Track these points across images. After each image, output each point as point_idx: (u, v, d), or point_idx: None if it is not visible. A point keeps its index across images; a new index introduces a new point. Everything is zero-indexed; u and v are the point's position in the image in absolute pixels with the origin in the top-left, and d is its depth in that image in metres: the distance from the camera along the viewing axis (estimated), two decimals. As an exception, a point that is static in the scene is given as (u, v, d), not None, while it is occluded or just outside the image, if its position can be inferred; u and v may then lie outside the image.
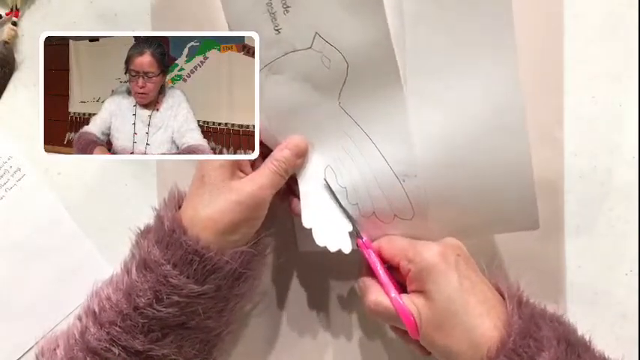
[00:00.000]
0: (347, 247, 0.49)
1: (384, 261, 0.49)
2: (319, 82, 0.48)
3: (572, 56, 0.56)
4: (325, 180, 0.50)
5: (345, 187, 0.50)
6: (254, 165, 0.51)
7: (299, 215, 0.50)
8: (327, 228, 0.50)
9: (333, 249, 0.49)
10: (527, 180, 0.47)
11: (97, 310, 0.47)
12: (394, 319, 0.46)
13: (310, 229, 0.49)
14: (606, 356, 0.46)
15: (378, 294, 0.47)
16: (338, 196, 0.50)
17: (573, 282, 0.54)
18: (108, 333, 0.46)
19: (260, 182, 0.48)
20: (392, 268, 0.49)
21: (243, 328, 0.57)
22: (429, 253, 0.46)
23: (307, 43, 0.48)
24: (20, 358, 0.56)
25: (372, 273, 0.49)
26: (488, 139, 0.46)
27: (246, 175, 0.49)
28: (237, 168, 0.49)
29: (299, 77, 0.49)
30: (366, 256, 0.49)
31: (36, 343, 0.56)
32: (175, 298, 0.46)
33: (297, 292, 0.57)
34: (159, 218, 0.48)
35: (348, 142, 0.49)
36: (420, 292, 0.46)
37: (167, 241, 0.46)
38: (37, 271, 0.57)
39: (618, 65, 0.56)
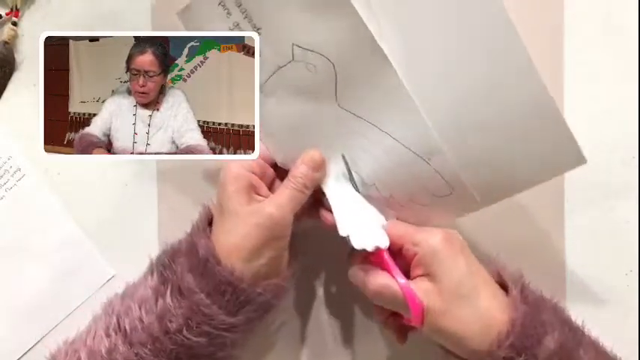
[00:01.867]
0: (384, 242, 0.47)
1: None
2: (312, 90, 0.48)
3: (572, 56, 0.56)
4: (351, 181, 0.50)
5: (374, 184, 0.49)
6: (272, 188, 0.50)
7: (331, 227, 0.48)
8: (363, 229, 0.48)
9: (370, 248, 0.47)
10: (555, 115, 0.44)
11: (128, 329, 0.46)
12: (398, 305, 0.46)
13: (347, 236, 0.47)
14: (600, 342, 0.47)
15: (384, 277, 0.46)
16: (368, 192, 0.49)
17: (573, 282, 0.54)
18: (136, 354, 0.45)
19: (278, 201, 0.47)
20: (391, 253, 0.48)
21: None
22: (435, 237, 0.46)
23: (288, 56, 0.47)
24: (20, 358, 0.56)
25: (371, 255, 0.48)
26: (499, 89, 0.44)
27: (264, 198, 0.48)
28: (253, 192, 0.48)
29: (292, 92, 0.48)
30: None
31: (36, 343, 0.56)
32: (206, 327, 0.45)
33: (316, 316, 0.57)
34: (192, 244, 0.47)
35: (362, 139, 0.49)
36: (426, 275, 0.45)
37: (201, 270, 0.46)
38: (37, 271, 0.57)
39: (618, 65, 0.56)
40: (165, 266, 0.48)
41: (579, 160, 0.46)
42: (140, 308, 0.46)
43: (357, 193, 0.50)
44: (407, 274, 0.47)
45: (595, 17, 0.56)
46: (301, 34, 0.46)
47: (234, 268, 0.45)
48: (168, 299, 0.46)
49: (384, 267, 0.47)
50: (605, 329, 0.48)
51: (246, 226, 0.46)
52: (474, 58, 0.44)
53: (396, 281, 0.46)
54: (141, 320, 0.45)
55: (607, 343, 0.48)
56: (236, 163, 0.48)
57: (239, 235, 0.46)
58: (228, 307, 0.46)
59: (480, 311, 0.44)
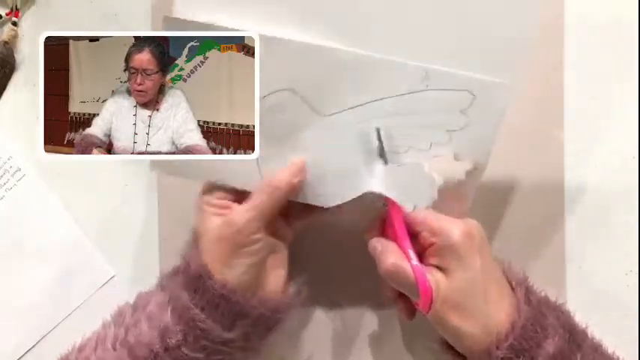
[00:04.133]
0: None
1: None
2: (297, 124, 0.48)
3: (572, 56, 0.56)
4: (382, 156, 0.48)
5: (407, 148, 0.49)
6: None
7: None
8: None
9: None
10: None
11: (133, 343, 0.46)
12: (408, 288, 0.45)
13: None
14: (603, 345, 0.47)
15: (398, 257, 0.45)
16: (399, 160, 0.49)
17: (573, 282, 0.54)
18: None
19: (241, 208, 0.47)
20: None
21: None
22: (456, 231, 0.45)
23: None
24: (20, 358, 0.56)
25: (387, 233, 0.47)
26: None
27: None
28: (221, 207, 0.48)
29: (282, 136, 0.48)
30: (394, 217, 0.47)
31: (36, 343, 0.56)
32: (203, 342, 0.45)
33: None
34: (186, 262, 0.48)
35: (371, 119, 0.48)
36: (440, 267, 0.45)
37: (195, 286, 0.46)
38: (37, 271, 0.57)
39: (618, 65, 0.56)
40: (166, 284, 0.49)
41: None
42: (147, 323, 0.46)
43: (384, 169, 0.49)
44: (419, 258, 0.46)
45: (595, 17, 0.56)
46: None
47: (227, 281, 0.45)
48: (169, 316, 0.46)
49: (399, 243, 0.46)
50: (604, 329, 0.48)
51: (210, 237, 0.47)
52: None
53: (410, 264, 0.45)
54: (145, 335, 0.46)
55: (607, 343, 0.48)
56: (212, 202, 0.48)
57: (207, 248, 0.46)
58: (224, 321, 0.46)
59: (486, 311, 0.44)
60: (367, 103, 0.48)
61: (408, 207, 0.47)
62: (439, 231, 0.45)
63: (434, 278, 0.45)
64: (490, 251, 0.46)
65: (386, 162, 0.48)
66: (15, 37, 0.57)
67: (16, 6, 0.57)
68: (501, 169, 0.55)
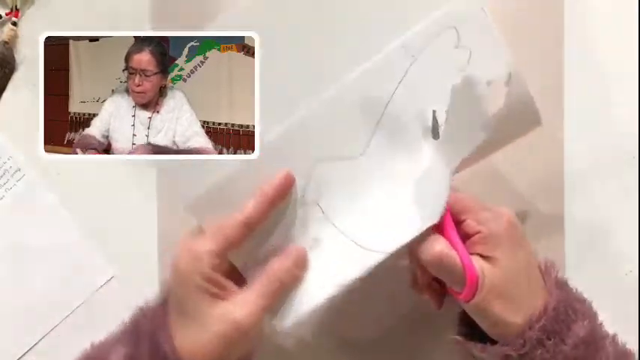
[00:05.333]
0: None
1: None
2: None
3: (572, 56, 0.56)
4: (434, 132, 0.47)
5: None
6: (238, 280, 0.45)
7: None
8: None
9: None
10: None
11: None
12: (454, 276, 0.44)
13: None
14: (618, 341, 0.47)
15: (445, 246, 0.45)
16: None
17: (573, 282, 0.54)
18: None
19: (248, 306, 0.42)
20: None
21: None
22: (502, 219, 0.45)
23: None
24: (20, 357, 0.56)
25: None
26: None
27: (228, 289, 0.43)
28: (215, 285, 0.42)
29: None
30: None
31: (36, 343, 0.56)
32: None
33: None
34: (155, 342, 0.42)
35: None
36: (485, 257, 0.45)
37: None
38: (37, 271, 0.57)
39: (618, 65, 0.56)
40: (125, 346, 0.44)
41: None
42: None
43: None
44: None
45: (595, 17, 0.56)
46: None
47: None
48: None
49: (445, 232, 0.45)
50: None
51: (210, 335, 0.41)
52: None
53: (457, 251, 0.44)
54: None
55: (607, 343, 0.48)
56: (193, 246, 0.43)
57: (203, 343, 0.42)
58: None
59: (529, 300, 0.44)
60: (381, 117, 0.47)
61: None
62: (485, 219, 0.45)
63: (479, 266, 0.44)
64: (529, 244, 0.46)
65: (437, 137, 0.47)
66: (15, 37, 0.57)
67: (16, 6, 0.57)
68: (501, 169, 0.55)
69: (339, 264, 0.45)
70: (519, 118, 0.46)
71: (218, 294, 0.42)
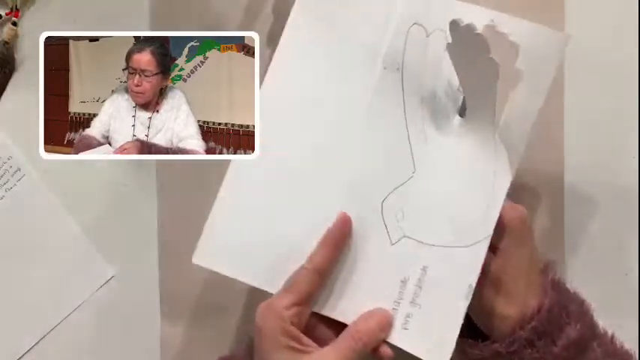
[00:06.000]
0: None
1: None
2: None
3: (572, 56, 0.56)
4: (461, 109, 0.47)
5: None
6: (314, 335, 0.44)
7: None
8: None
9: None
10: None
11: None
12: None
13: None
14: (615, 337, 0.47)
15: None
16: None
17: (573, 282, 0.54)
18: None
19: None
20: None
21: None
22: (514, 213, 0.45)
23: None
24: (20, 357, 0.56)
25: None
26: None
27: (310, 348, 0.43)
28: (297, 342, 0.42)
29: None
30: None
31: (36, 343, 0.56)
32: None
33: None
34: None
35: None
36: (491, 247, 0.45)
37: None
38: (37, 271, 0.57)
39: (618, 65, 0.56)
40: None
41: None
42: None
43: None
44: None
45: (595, 17, 0.56)
46: None
47: None
48: None
49: None
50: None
51: None
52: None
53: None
54: None
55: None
56: (272, 304, 0.43)
57: None
58: None
59: (525, 296, 0.45)
60: (408, 133, 0.47)
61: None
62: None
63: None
64: (535, 243, 0.47)
65: (463, 114, 0.47)
66: (15, 36, 0.57)
67: (16, 6, 0.57)
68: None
69: (453, 277, 0.45)
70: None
71: (300, 349, 0.42)
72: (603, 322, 0.47)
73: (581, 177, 0.56)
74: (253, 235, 0.46)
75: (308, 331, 0.44)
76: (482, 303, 0.45)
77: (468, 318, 0.45)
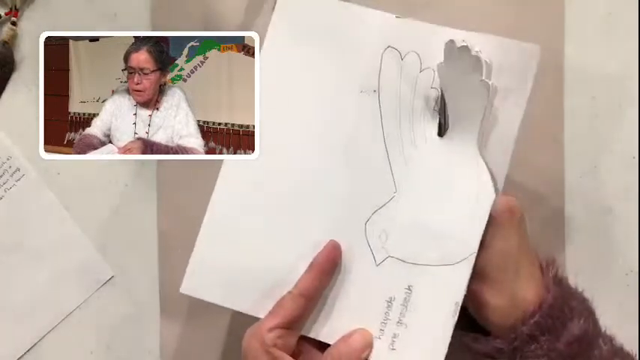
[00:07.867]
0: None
1: None
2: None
3: (572, 56, 0.56)
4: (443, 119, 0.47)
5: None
6: (306, 359, 0.45)
7: None
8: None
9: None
10: None
11: None
12: None
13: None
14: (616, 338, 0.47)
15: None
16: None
17: (573, 282, 0.54)
18: None
19: None
20: None
21: None
22: (497, 204, 0.45)
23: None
24: (20, 358, 0.56)
25: None
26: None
27: None
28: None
29: None
30: None
31: (35, 343, 0.56)
32: None
33: None
34: None
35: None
36: None
37: None
38: (38, 271, 0.57)
39: (618, 65, 0.56)
40: None
41: None
42: None
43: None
44: None
45: (595, 17, 0.56)
46: None
47: None
48: None
49: None
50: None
51: None
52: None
53: None
54: None
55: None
56: (257, 327, 0.44)
57: None
58: None
59: (515, 286, 0.44)
60: (387, 152, 0.47)
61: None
62: None
63: None
64: (527, 230, 0.46)
65: (442, 134, 0.47)
66: (14, 36, 0.57)
67: (15, 6, 0.57)
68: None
69: (439, 295, 0.45)
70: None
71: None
72: (603, 322, 0.47)
73: (582, 177, 0.56)
74: (240, 262, 0.46)
75: (298, 354, 0.45)
76: (475, 297, 0.45)
77: (469, 313, 0.46)
